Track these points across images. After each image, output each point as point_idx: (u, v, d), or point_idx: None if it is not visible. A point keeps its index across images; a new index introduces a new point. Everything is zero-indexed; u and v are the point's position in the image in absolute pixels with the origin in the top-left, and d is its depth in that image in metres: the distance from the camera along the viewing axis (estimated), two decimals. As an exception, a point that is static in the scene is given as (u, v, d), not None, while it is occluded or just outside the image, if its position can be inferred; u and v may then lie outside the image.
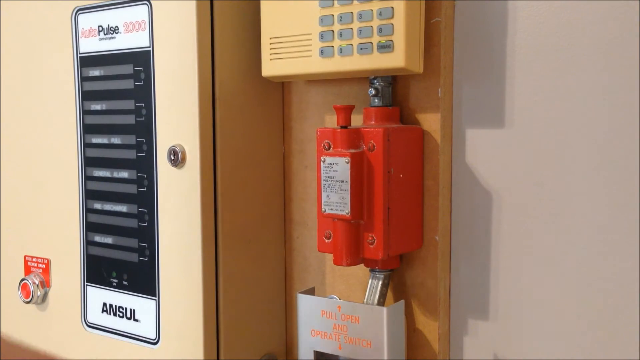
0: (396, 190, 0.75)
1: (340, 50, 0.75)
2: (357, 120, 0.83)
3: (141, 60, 0.82)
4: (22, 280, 0.97)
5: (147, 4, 0.81)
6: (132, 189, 0.85)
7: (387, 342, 0.73)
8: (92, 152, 0.89)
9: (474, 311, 0.82)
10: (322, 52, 0.77)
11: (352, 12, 0.74)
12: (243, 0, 0.83)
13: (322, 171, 0.75)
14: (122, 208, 0.86)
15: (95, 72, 0.87)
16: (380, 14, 0.72)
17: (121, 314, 0.88)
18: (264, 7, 0.81)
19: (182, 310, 0.81)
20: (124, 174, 0.85)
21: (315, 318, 0.77)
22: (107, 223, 0.88)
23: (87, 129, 0.89)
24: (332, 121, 0.87)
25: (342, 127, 0.75)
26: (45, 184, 0.95)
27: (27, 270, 0.98)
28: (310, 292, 0.80)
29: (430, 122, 0.79)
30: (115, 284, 0.88)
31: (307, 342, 0.78)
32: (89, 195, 0.90)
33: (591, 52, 0.72)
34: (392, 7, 0.72)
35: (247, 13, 0.84)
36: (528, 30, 0.76)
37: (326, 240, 0.78)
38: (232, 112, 0.82)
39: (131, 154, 0.84)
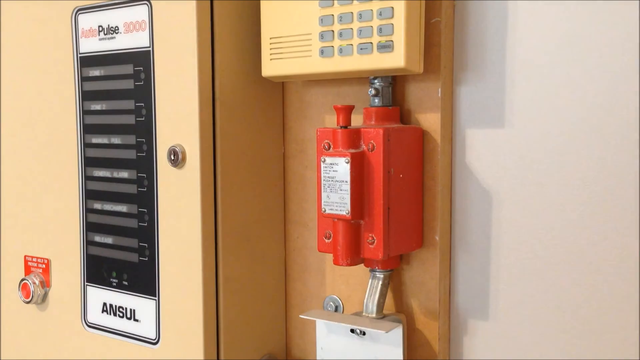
0: (396, 190, 0.75)
1: (340, 50, 0.75)
2: (357, 120, 0.83)
3: (141, 60, 0.82)
4: (22, 280, 0.97)
5: (147, 4, 0.81)
6: (132, 189, 0.85)
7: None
8: (92, 152, 0.89)
9: (474, 311, 0.82)
10: (322, 52, 0.77)
11: (352, 12, 0.74)
12: (243, 0, 0.83)
13: (322, 171, 0.75)
14: (122, 208, 0.86)
15: (95, 72, 0.87)
16: (380, 14, 0.72)
17: (121, 314, 0.88)
18: (264, 7, 0.81)
19: (182, 310, 0.81)
20: (124, 174, 0.85)
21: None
22: (107, 223, 0.88)
23: (87, 129, 0.89)
24: (332, 121, 0.87)
25: (342, 127, 0.75)
26: (45, 184, 0.95)
27: (27, 270, 0.98)
28: None
29: (430, 122, 0.79)
30: (115, 284, 0.88)
31: None
32: (89, 195, 0.90)
33: (591, 52, 0.72)
34: (392, 7, 0.72)
35: (247, 13, 0.84)
36: (528, 30, 0.76)
37: (326, 240, 0.78)
38: (232, 112, 0.82)
39: (131, 154, 0.84)
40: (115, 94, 0.85)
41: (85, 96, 0.89)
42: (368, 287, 0.80)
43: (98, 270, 0.90)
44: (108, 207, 0.88)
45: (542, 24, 0.75)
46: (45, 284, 0.96)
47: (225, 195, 0.82)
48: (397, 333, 0.76)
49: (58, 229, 0.94)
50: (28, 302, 0.96)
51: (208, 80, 0.79)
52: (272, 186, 0.90)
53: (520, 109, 0.77)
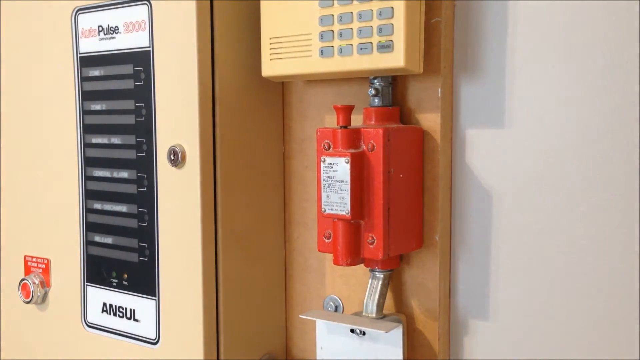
0: (396, 190, 0.75)
1: (340, 50, 0.75)
2: (357, 120, 0.83)
3: (141, 60, 0.82)
4: (22, 280, 0.97)
5: (147, 4, 0.81)
6: (132, 189, 0.85)
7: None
8: (92, 152, 0.89)
9: (474, 311, 0.82)
10: (322, 52, 0.77)
11: (352, 12, 0.74)
12: (243, 0, 0.83)
13: (322, 171, 0.75)
14: (122, 208, 0.86)
15: (95, 72, 0.87)
16: (380, 14, 0.72)
17: (121, 314, 0.88)
18: (264, 7, 0.81)
19: (182, 310, 0.81)
20: (124, 174, 0.85)
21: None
22: (107, 223, 0.88)
23: (87, 129, 0.89)
24: (332, 121, 0.87)
25: (342, 127, 0.75)
26: (45, 184, 0.95)
27: (27, 270, 0.98)
28: None
29: (430, 122, 0.79)
30: (115, 284, 0.88)
31: None
32: (89, 195, 0.90)
33: (591, 52, 0.72)
34: (392, 7, 0.72)
35: (247, 13, 0.84)
36: (528, 30, 0.76)
37: (326, 240, 0.78)
38: (232, 112, 0.82)
39: (131, 154, 0.84)
40: (115, 94, 0.85)
41: (85, 96, 0.89)
42: (368, 287, 0.80)
43: (98, 270, 0.90)
44: (108, 207, 0.88)
45: (542, 24, 0.75)
46: (45, 284, 0.96)
47: (225, 195, 0.82)
48: (397, 333, 0.76)
49: (58, 229, 0.94)
50: (28, 302, 0.96)
51: (208, 80, 0.79)
52: (272, 186, 0.90)
53: (520, 109, 0.77)
